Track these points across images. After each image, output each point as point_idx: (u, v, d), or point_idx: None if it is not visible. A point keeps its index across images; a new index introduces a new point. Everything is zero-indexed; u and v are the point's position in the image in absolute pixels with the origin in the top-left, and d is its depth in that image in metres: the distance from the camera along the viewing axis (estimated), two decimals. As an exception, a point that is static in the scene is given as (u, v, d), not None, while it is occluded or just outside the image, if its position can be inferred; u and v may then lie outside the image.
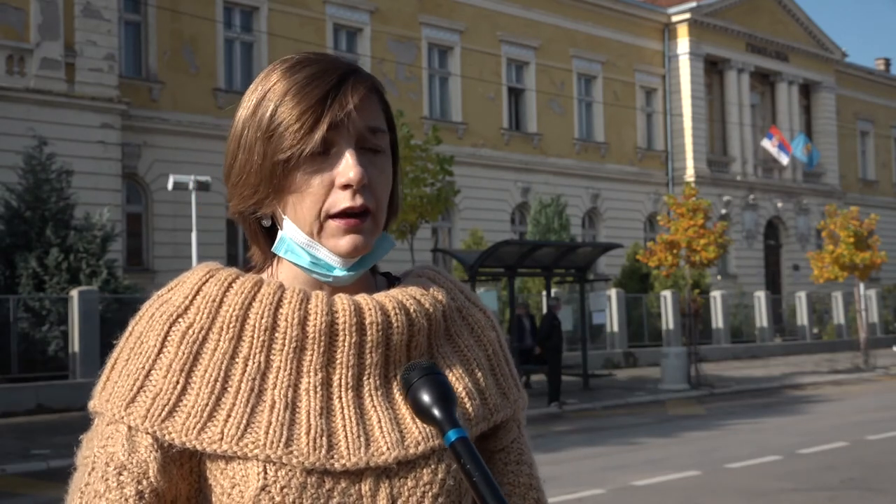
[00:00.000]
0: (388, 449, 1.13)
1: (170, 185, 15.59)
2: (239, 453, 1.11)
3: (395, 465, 1.14)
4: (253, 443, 1.11)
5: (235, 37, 24.75)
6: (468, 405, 1.21)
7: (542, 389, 17.45)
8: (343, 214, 1.15)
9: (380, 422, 1.15)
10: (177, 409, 1.12)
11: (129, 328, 1.19)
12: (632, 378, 22.36)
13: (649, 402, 18.02)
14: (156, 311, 1.18)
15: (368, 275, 1.27)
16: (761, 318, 31.37)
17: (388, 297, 1.19)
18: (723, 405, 17.62)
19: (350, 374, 1.15)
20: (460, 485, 1.17)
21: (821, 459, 10.85)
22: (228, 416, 1.12)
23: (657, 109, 35.16)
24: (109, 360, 1.19)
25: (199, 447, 1.11)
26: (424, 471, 1.15)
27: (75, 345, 16.46)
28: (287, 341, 1.14)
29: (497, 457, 1.27)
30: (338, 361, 1.15)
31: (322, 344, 1.15)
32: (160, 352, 1.15)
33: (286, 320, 1.14)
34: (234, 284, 1.17)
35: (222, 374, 1.14)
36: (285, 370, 1.15)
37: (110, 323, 16.38)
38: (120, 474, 1.10)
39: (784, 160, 36.18)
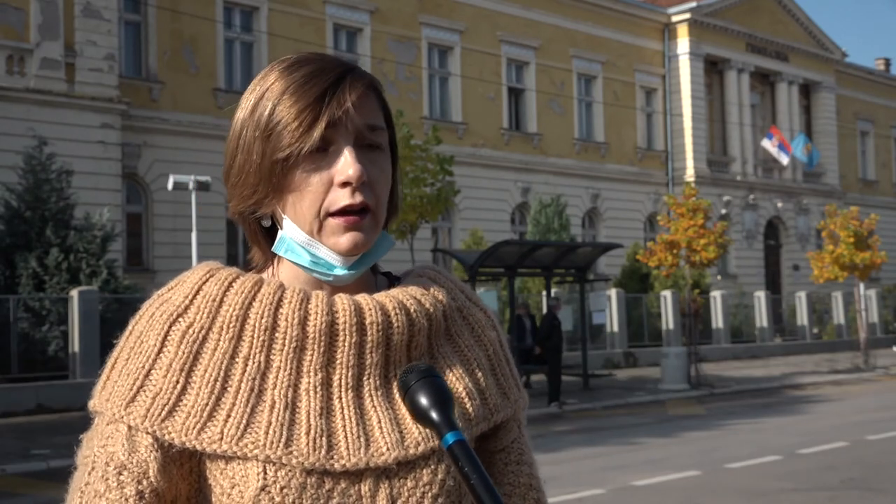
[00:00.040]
0: (387, 449, 1.13)
1: (170, 185, 15.59)
2: (239, 453, 1.11)
3: (395, 466, 1.14)
4: (253, 443, 1.11)
5: (235, 37, 24.76)
6: (468, 405, 1.21)
7: (542, 389, 17.45)
8: (343, 212, 1.14)
9: (380, 422, 1.15)
10: (177, 408, 1.12)
11: (129, 327, 1.19)
12: (632, 378, 22.36)
13: (649, 402, 18.02)
14: (156, 310, 1.18)
15: (369, 274, 1.27)
16: (761, 318, 31.37)
17: (389, 297, 1.19)
18: (723, 405, 17.62)
19: (350, 374, 1.15)
20: (460, 485, 1.17)
21: (821, 459, 10.85)
22: (228, 415, 1.12)
23: (657, 109, 35.16)
24: (109, 360, 1.19)
25: (198, 447, 1.11)
26: (424, 471, 1.15)
27: (75, 345, 16.46)
28: (287, 341, 1.14)
29: (497, 457, 1.27)
30: (338, 361, 1.15)
31: (322, 344, 1.14)
32: (160, 351, 1.15)
33: (286, 320, 1.14)
34: (234, 284, 1.17)
35: (222, 373, 1.14)
36: (285, 370, 1.14)
37: (110, 323, 16.38)
38: (120, 474, 1.10)
39: (784, 160, 36.18)
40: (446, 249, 24.64)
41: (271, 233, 1.23)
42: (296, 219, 1.17)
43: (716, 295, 29.38)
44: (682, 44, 34.91)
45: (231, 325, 1.15)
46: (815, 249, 33.03)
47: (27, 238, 16.84)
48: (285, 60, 1.20)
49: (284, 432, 1.11)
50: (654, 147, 35.08)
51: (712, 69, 36.41)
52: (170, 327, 1.16)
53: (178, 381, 1.13)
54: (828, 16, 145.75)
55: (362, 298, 1.18)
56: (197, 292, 1.18)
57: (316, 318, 1.14)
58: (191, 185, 15.37)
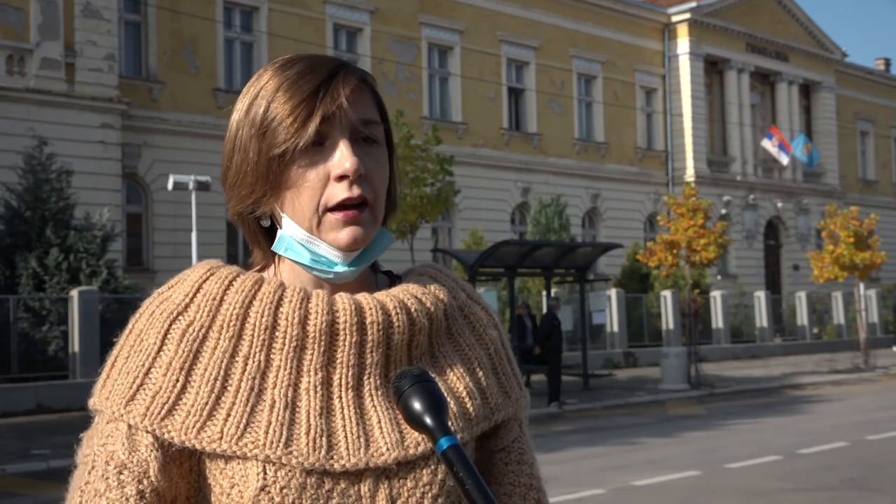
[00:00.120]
0: (387, 450, 1.13)
1: (170, 185, 15.59)
2: (238, 453, 1.10)
3: (395, 466, 1.14)
4: (252, 442, 1.10)
5: (235, 37, 24.75)
6: (469, 405, 1.21)
7: (542, 389, 17.45)
8: (341, 207, 1.14)
9: (380, 422, 1.15)
10: (176, 407, 1.12)
11: (130, 326, 1.19)
12: (632, 378, 22.36)
13: (649, 402, 18.01)
14: (156, 308, 1.18)
15: (369, 273, 1.26)
16: (761, 318, 31.37)
17: (389, 297, 1.19)
18: (723, 405, 17.62)
19: (350, 373, 1.15)
20: (459, 486, 1.16)
21: (821, 459, 10.85)
22: (228, 415, 1.12)
23: (657, 109, 35.16)
24: (110, 358, 1.19)
25: (198, 446, 1.11)
26: (424, 471, 1.15)
27: (75, 345, 16.46)
28: (287, 340, 1.14)
29: (498, 456, 1.27)
30: (338, 361, 1.15)
31: (322, 343, 1.14)
32: (160, 350, 1.15)
33: (286, 319, 1.14)
34: (234, 283, 1.17)
35: (222, 372, 1.14)
36: (285, 369, 1.14)
37: (110, 323, 16.38)
38: (120, 473, 1.10)
39: (784, 160, 36.17)
40: (446, 249, 24.63)
41: (271, 233, 1.22)
42: (294, 216, 1.17)
43: (716, 295, 29.38)
44: (682, 44, 34.91)
45: (231, 324, 1.15)
46: (815, 249, 33.03)
47: (27, 238, 16.84)
48: (278, 61, 1.21)
49: (284, 432, 1.11)
50: (654, 147, 35.08)
51: (712, 69, 36.41)
52: (170, 326, 1.16)
53: (177, 380, 1.13)
54: (828, 16, 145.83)
55: (363, 297, 1.17)
56: (197, 291, 1.18)
57: (316, 318, 1.14)
58: (191, 185, 15.37)
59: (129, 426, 1.12)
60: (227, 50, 24.47)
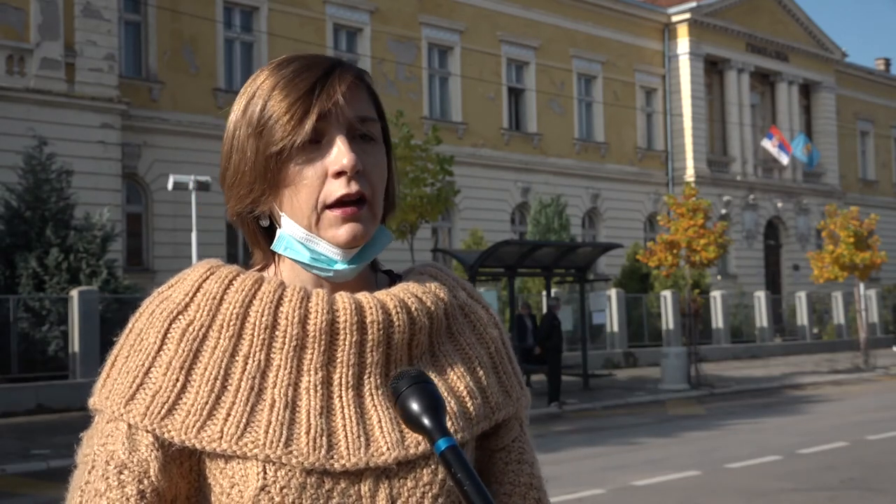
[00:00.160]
0: (388, 449, 1.13)
1: (170, 185, 15.59)
2: (238, 452, 1.10)
3: (395, 466, 1.13)
4: (252, 442, 1.10)
5: (235, 37, 24.75)
6: (469, 404, 1.20)
7: (542, 389, 17.44)
8: (340, 203, 1.14)
9: (380, 421, 1.14)
10: (176, 406, 1.12)
11: (130, 325, 1.19)
12: (632, 378, 22.36)
13: (649, 402, 18.01)
14: (156, 308, 1.18)
15: (369, 272, 1.26)
16: (761, 318, 31.36)
17: (390, 296, 1.18)
18: (723, 405, 17.62)
19: (351, 373, 1.15)
20: (461, 485, 1.16)
21: (821, 459, 10.85)
22: (228, 414, 1.11)
23: (657, 109, 35.16)
24: (109, 357, 1.18)
25: (198, 446, 1.11)
26: (424, 471, 1.15)
27: (75, 345, 16.46)
28: (287, 340, 1.14)
29: (498, 455, 1.27)
30: (338, 360, 1.15)
31: (322, 342, 1.14)
32: (160, 349, 1.15)
33: (286, 318, 1.14)
34: (234, 282, 1.17)
35: (222, 372, 1.13)
36: (285, 369, 1.14)
37: (110, 323, 16.37)
38: (120, 473, 1.10)
39: (784, 160, 36.17)
40: (446, 249, 24.63)
41: (270, 233, 1.22)
42: (293, 214, 1.17)
43: (716, 295, 29.38)
44: (682, 44, 34.91)
45: (231, 324, 1.15)
46: (815, 249, 33.03)
47: (27, 238, 16.84)
48: (275, 61, 1.21)
49: (284, 432, 1.11)
50: (654, 147, 35.07)
51: (712, 69, 36.41)
52: (170, 325, 1.16)
53: (177, 380, 1.13)
54: (828, 16, 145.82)
55: (363, 297, 1.17)
56: (197, 290, 1.17)
57: (316, 317, 1.14)
58: (191, 185, 15.37)
59: (129, 426, 1.12)
60: (227, 50, 24.47)
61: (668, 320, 26.77)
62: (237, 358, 1.15)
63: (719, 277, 33.08)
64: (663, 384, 19.95)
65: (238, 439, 1.10)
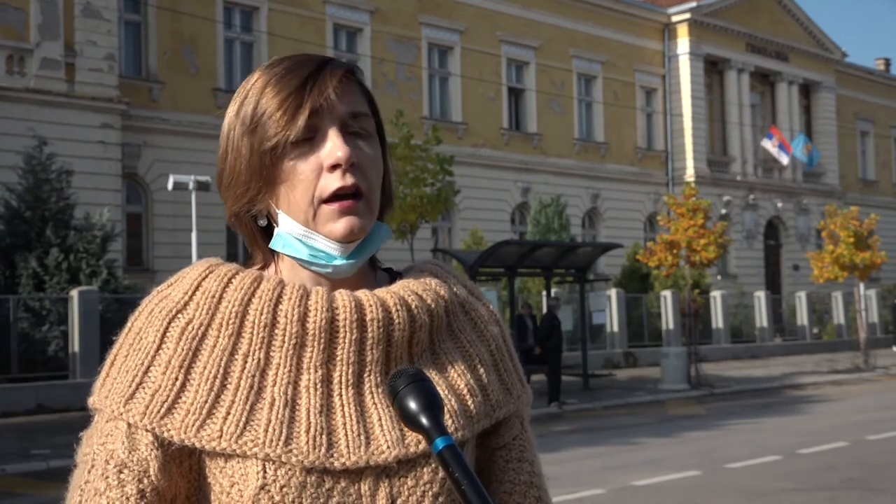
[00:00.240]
0: (388, 448, 1.13)
1: (170, 185, 15.59)
2: (238, 451, 1.10)
3: (395, 464, 1.13)
4: (252, 441, 1.10)
5: (235, 37, 24.75)
6: (470, 402, 1.20)
7: (542, 389, 17.44)
8: (336, 197, 1.14)
9: (380, 420, 1.14)
10: (176, 405, 1.12)
11: (129, 324, 1.19)
12: (632, 378, 22.36)
13: (649, 402, 18.01)
14: (155, 306, 1.18)
15: (369, 270, 1.26)
16: (761, 318, 31.36)
17: (390, 293, 1.18)
18: (723, 405, 17.62)
19: (350, 371, 1.15)
20: (461, 485, 1.16)
21: (821, 459, 10.85)
22: (228, 413, 1.11)
23: (657, 109, 35.16)
24: (109, 357, 1.18)
25: (197, 445, 1.11)
26: (425, 470, 1.14)
27: (75, 345, 16.46)
28: (287, 338, 1.14)
29: (498, 454, 1.26)
30: (338, 358, 1.14)
31: (322, 340, 1.14)
32: (159, 348, 1.14)
33: (286, 317, 1.14)
34: (233, 280, 1.17)
35: (221, 370, 1.13)
36: (285, 367, 1.14)
37: (110, 323, 16.37)
38: (120, 472, 1.10)
39: (784, 160, 36.17)
40: (446, 249, 24.63)
41: (269, 233, 1.22)
42: (290, 211, 1.17)
43: (716, 295, 29.38)
44: (682, 44, 34.91)
45: (230, 322, 1.15)
46: (815, 249, 33.02)
47: (27, 238, 16.83)
48: (268, 62, 1.22)
49: (284, 430, 1.11)
50: (654, 147, 35.07)
51: (712, 69, 36.41)
52: (169, 324, 1.15)
53: (177, 378, 1.13)
54: (828, 16, 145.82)
55: (363, 294, 1.17)
56: (196, 288, 1.17)
57: (316, 315, 1.13)
58: (191, 185, 15.37)
59: (129, 425, 1.12)
60: (227, 50, 24.47)
61: (668, 320, 26.77)
62: (236, 356, 1.14)
63: (719, 277, 33.08)
64: (663, 384, 19.95)
65: (238, 438, 1.10)
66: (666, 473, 10.00)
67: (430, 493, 1.14)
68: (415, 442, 1.14)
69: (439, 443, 1.04)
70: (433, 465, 1.14)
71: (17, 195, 17.00)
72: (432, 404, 1.07)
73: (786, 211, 38.54)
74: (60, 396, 15.57)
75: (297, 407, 1.13)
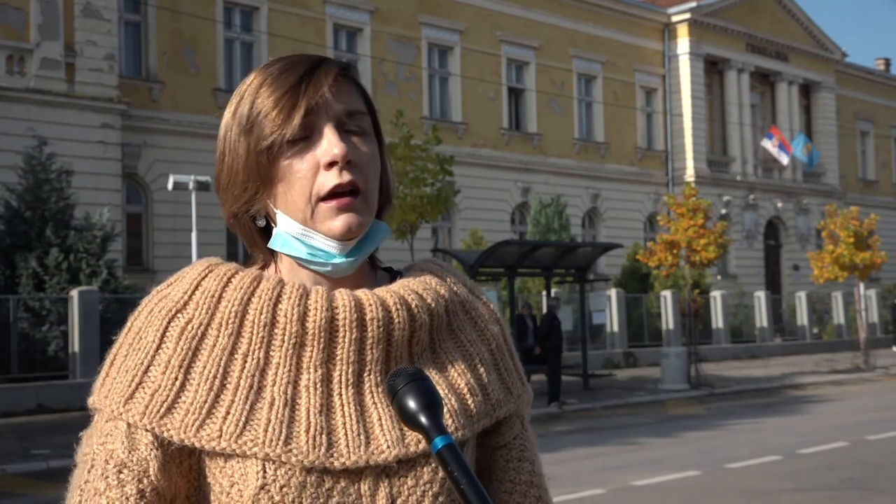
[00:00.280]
0: (388, 447, 1.12)
1: (170, 185, 15.59)
2: (238, 451, 1.10)
3: (395, 464, 1.13)
4: (252, 441, 1.10)
5: (235, 37, 24.75)
6: (470, 401, 1.20)
7: (542, 389, 17.44)
8: (333, 195, 1.14)
9: (380, 419, 1.14)
10: (175, 405, 1.11)
11: (128, 324, 1.19)
12: (632, 378, 22.36)
13: (649, 402, 18.01)
14: (154, 306, 1.18)
15: (369, 269, 1.26)
16: (761, 318, 31.36)
17: (390, 292, 1.18)
18: (723, 405, 17.61)
19: (350, 370, 1.14)
20: (461, 484, 1.16)
21: (821, 459, 10.85)
22: (227, 413, 1.11)
23: (657, 109, 35.16)
24: (109, 356, 1.18)
25: (197, 444, 1.10)
26: (425, 469, 1.14)
27: (75, 345, 16.46)
28: (286, 337, 1.14)
29: (499, 453, 1.26)
30: (338, 358, 1.14)
31: (322, 340, 1.14)
32: (159, 347, 1.14)
33: (285, 316, 1.14)
34: (233, 279, 1.17)
35: (221, 370, 1.13)
36: (285, 367, 1.14)
37: (110, 323, 16.37)
38: (120, 472, 1.09)
39: (784, 160, 36.17)
40: (446, 249, 24.63)
41: (267, 234, 1.22)
42: (287, 210, 1.17)
43: (716, 295, 29.38)
44: (682, 44, 34.91)
45: (230, 321, 1.15)
46: (815, 249, 33.02)
47: (27, 238, 16.83)
48: (264, 63, 1.23)
49: (284, 430, 1.10)
50: (654, 147, 35.07)
51: (712, 69, 36.41)
52: (168, 323, 1.15)
53: (176, 378, 1.13)
54: (828, 16, 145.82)
55: (363, 294, 1.17)
56: (196, 288, 1.17)
57: (315, 314, 1.13)
58: (191, 185, 15.37)
59: (129, 425, 1.12)
60: (227, 50, 24.47)
61: (668, 320, 26.77)
62: (236, 356, 1.14)
63: (719, 277, 33.08)
64: (663, 384, 19.95)
65: (237, 438, 1.10)
66: (666, 473, 10.00)
67: (430, 492, 1.14)
68: (415, 441, 1.13)
69: (438, 442, 1.04)
70: (433, 465, 1.14)
71: (17, 195, 17.00)
72: (432, 403, 1.07)
73: (786, 211, 38.55)
74: (60, 396, 15.57)
75: (297, 406, 1.13)
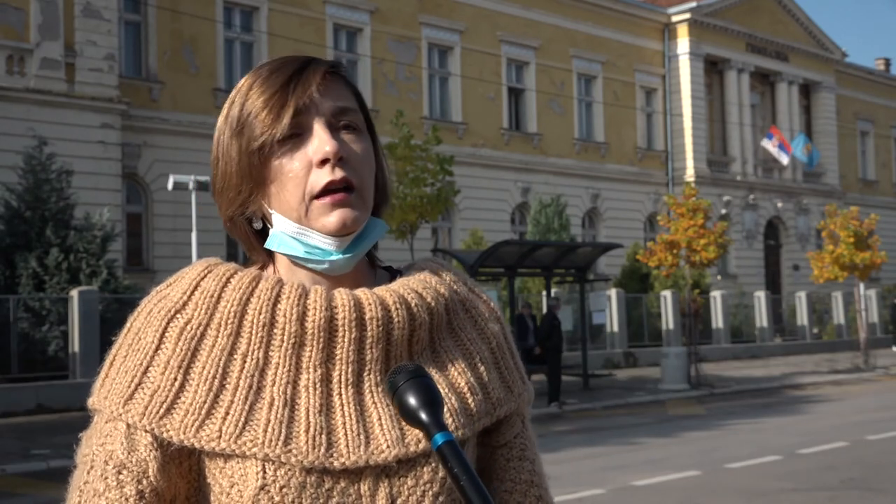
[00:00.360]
0: (387, 447, 1.12)
1: (170, 185, 15.59)
2: (237, 451, 1.10)
3: (395, 464, 1.13)
4: (251, 441, 1.10)
5: (235, 37, 24.75)
6: (470, 400, 1.20)
7: (542, 389, 17.44)
8: (327, 192, 1.14)
9: (380, 419, 1.14)
10: (175, 406, 1.11)
11: (128, 324, 1.19)
12: (632, 378, 22.35)
13: (649, 402, 18.01)
14: (154, 306, 1.18)
15: (368, 268, 1.26)
16: (761, 318, 31.36)
17: (389, 291, 1.18)
18: (723, 405, 17.61)
19: (350, 370, 1.14)
20: (462, 484, 1.16)
21: (821, 459, 10.84)
22: (227, 413, 1.11)
23: (657, 109, 35.16)
24: (108, 357, 1.18)
25: (197, 445, 1.10)
26: (425, 469, 1.14)
27: (75, 345, 16.46)
28: (286, 337, 1.13)
29: (499, 452, 1.26)
30: (337, 357, 1.14)
31: (321, 340, 1.13)
32: (158, 348, 1.14)
33: (284, 316, 1.13)
34: (232, 280, 1.17)
35: (220, 370, 1.13)
36: (284, 367, 1.13)
37: (110, 323, 16.36)
38: (119, 473, 1.09)
39: (784, 160, 36.17)
40: (446, 249, 24.63)
41: (264, 236, 1.22)
42: (282, 209, 1.17)
43: (716, 295, 29.38)
44: (682, 44, 34.91)
45: (229, 322, 1.15)
46: (815, 249, 33.02)
47: (27, 238, 16.83)
48: (256, 67, 1.23)
49: (283, 430, 1.10)
50: (654, 147, 35.07)
51: (712, 69, 36.41)
52: (168, 323, 1.15)
53: (176, 379, 1.12)
54: (828, 16, 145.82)
55: (362, 293, 1.17)
56: (195, 288, 1.17)
57: (315, 314, 1.13)
58: (191, 185, 15.36)
59: (128, 425, 1.12)
60: (227, 50, 24.47)
61: (668, 320, 26.77)
62: (235, 356, 1.14)
63: (719, 277, 33.08)
64: (663, 384, 19.95)
65: (237, 438, 1.10)
66: (666, 473, 10.00)
67: (431, 492, 1.14)
68: (415, 441, 1.13)
69: (438, 438, 1.04)
70: (433, 465, 1.14)
71: (17, 195, 17.00)
72: (432, 400, 1.07)
73: (786, 211, 38.54)
74: (60, 396, 15.57)
75: (297, 406, 1.12)
